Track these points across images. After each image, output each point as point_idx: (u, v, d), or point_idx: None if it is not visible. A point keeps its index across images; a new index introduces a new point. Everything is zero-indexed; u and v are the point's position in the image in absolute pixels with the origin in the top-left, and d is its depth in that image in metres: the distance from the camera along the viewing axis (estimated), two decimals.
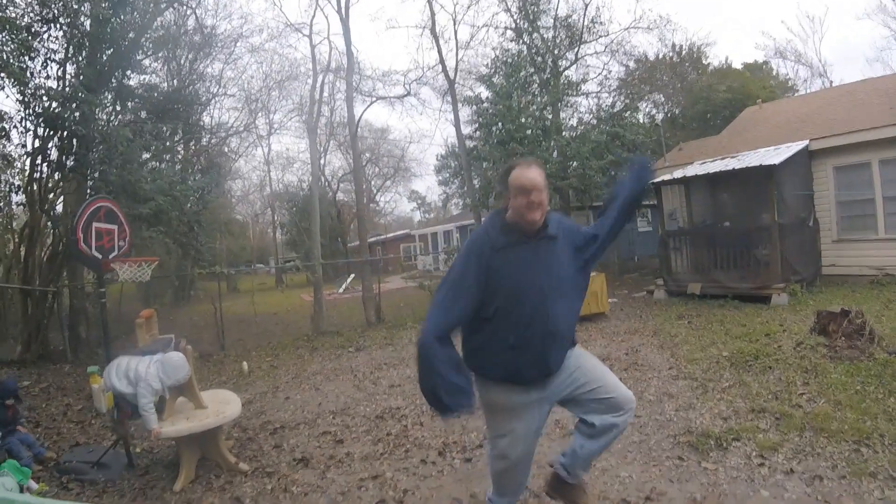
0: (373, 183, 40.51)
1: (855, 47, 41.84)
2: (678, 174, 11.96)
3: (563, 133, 17.18)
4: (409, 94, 18.17)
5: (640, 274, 15.38)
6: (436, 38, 18.35)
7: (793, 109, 14.51)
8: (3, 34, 8.04)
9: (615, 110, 18.71)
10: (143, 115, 10.88)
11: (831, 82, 26.76)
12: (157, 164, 11.40)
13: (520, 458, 2.65)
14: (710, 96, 22.78)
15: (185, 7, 13.08)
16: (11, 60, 7.98)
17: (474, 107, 17.69)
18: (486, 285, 2.41)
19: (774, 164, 9.43)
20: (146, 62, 11.12)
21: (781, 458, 3.60)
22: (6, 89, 8.30)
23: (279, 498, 3.85)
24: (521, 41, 18.01)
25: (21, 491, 3.72)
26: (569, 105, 19.19)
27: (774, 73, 30.46)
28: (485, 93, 17.44)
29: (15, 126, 8.52)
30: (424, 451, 4.43)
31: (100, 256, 4.53)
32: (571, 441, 2.74)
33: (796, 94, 24.46)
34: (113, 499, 3.96)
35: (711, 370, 5.79)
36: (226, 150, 21.33)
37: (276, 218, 41.23)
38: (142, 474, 4.45)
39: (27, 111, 8.44)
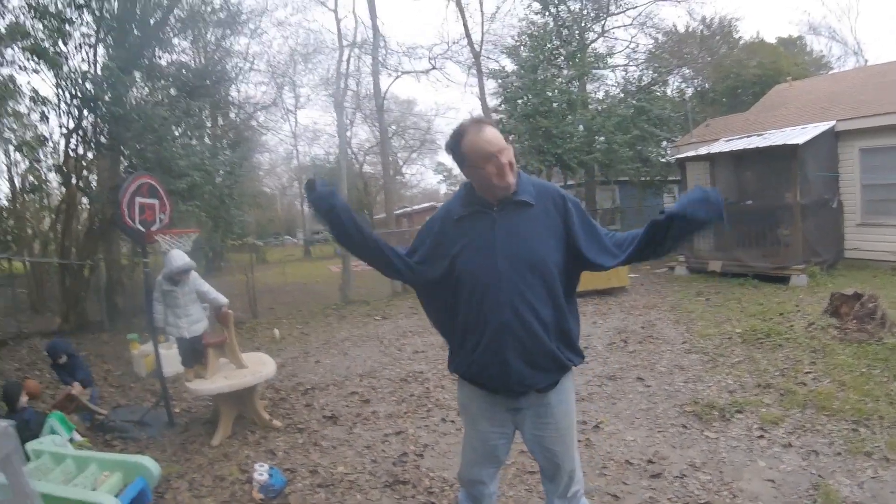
0: (399, 155, 40.48)
1: (891, 26, 40.12)
2: (703, 150, 11.92)
3: (590, 107, 17.08)
4: (433, 68, 18.12)
5: None
6: (461, 9, 18.29)
7: (822, 88, 14.19)
8: (39, 22, 8.36)
9: (642, 84, 18.51)
10: (173, 92, 11.14)
11: (866, 61, 25.95)
12: (189, 140, 11.69)
13: (472, 472, 2.32)
14: (740, 72, 22.28)
15: None
16: (47, 46, 8.30)
17: (500, 80, 17.63)
18: (442, 256, 2.09)
19: (798, 144, 9.38)
20: (175, 41, 11.31)
21: (781, 432, 3.77)
22: (42, 73, 8.66)
23: (309, 451, 4.13)
24: (547, 13, 17.77)
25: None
26: (595, 78, 19.01)
27: (808, 49, 29.63)
28: (510, 66, 17.37)
29: (53, 108, 8.88)
30: (445, 411, 4.73)
31: (143, 229, 4.83)
32: None
33: (829, 72, 23.82)
34: (155, 453, 4.17)
35: (723, 346, 5.96)
36: (254, 124, 21.58)
37: (303, 190, 41.25)
38: (181, 431, 4.76)
39: (63, 93, 8.79)
